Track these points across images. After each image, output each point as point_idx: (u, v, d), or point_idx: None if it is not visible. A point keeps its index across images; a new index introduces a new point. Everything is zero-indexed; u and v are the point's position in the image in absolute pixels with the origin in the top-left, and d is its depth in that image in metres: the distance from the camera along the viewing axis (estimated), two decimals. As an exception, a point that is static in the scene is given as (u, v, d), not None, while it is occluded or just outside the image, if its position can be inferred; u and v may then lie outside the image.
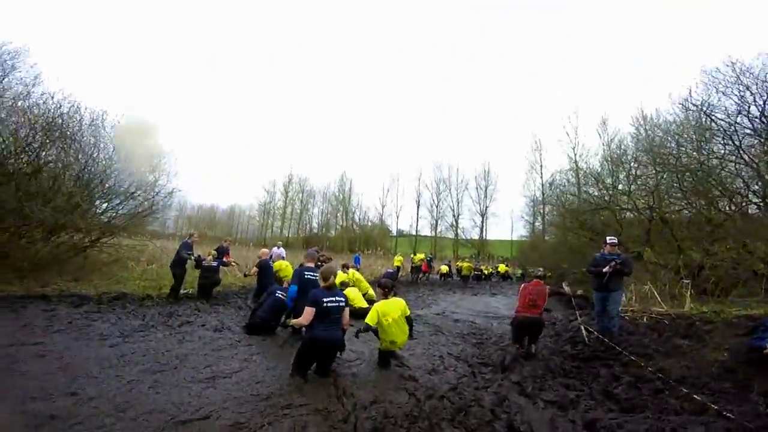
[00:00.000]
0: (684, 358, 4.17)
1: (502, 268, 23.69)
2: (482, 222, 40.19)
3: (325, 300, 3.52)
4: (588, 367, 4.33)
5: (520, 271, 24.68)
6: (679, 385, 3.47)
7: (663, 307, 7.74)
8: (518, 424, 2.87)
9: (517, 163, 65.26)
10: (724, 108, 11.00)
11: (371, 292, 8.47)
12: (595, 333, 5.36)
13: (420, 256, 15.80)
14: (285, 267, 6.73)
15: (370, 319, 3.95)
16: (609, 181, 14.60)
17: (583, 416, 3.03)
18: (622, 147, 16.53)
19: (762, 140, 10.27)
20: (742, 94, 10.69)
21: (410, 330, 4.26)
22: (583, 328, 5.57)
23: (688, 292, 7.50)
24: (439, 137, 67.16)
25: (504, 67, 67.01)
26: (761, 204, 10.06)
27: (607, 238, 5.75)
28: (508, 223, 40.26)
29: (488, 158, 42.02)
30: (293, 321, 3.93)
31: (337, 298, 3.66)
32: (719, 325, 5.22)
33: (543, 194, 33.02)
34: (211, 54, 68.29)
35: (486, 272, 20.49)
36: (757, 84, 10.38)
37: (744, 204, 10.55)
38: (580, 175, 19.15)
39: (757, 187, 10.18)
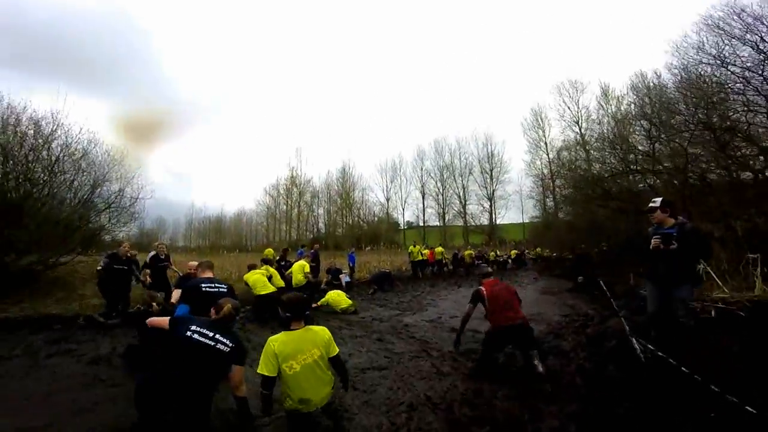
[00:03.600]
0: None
1: (513, 253, 21.72)
2: (491, 206, 38.51)
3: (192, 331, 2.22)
4: (656, 409, 2.58)
5: (535, 253, 22.80)
6: None
7: (726, 292, 5.85)
8: None
9: (520, 143, 62.20)
10: (738, 58, 9.04)
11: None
12: (650, 346, 3.55)
13: (419, 248, 13.75)
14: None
15: (262, 368, 2.32)
16: (625, 144, 12.54)
17: None
18: (630, 113, 14.48)
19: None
20: (757, 44, 8.68)
21: (344, 378, 2.61)
22: (635, 340, 3.74)
23: (759, 270, 5.58)
24: (438, 123, 65.04)
25: (501, 46, 64.00)
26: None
27: (652, 202, 3.66)
28: (518, 205, 37.77)
29: (491, 140, 38.72)
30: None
31: (217, 338, 2.27)
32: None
33: (551, 171, 30.94)
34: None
35: (491, 257, 18.34)
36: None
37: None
38: (588, 147, 17.18)
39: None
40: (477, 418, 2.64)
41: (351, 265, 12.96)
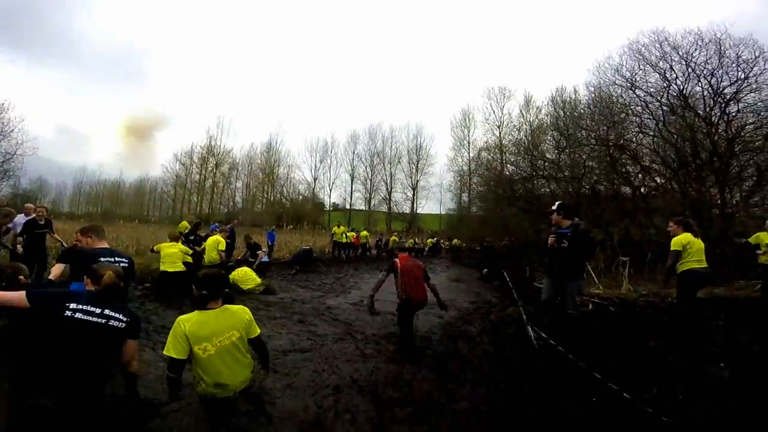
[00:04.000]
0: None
1: (429, 242, 23.11)
2: (413, 195, 40.09)
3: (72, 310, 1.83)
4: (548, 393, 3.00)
5: (448, 243, 24.53)
6: None
7: (600, 289, 7.05)
8: None
9: (447, 139, 65.72)
10: (646, 83, 10.71)
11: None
12: (543, 334, 4.08)
13: (343, 228, 13.60)
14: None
15: (169, 349, 2.05)
16: (536, 152, 14.11)
17: None
18: (545, 123, 16.33)
19: (678, 117, 10.09)
20: (665, 72, 10.41)
21: (264, 360, 2.44)
22: (530, 328, 4.27)
23: (626, 271, 6.86)
24: (374, 110, 64.87)
25: (443, 42, 65.96)
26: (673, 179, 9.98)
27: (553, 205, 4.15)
28: (438, 197, 40.36)
29: (422, 133, 40.55)
30: None
31: (107, 314, 1.92)
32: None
33: (470, 169, 33.25)
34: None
35: (409, 244, 19.49)
36: (681, 62, 10.10)
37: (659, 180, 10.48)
38: (504, 151, 19.00)
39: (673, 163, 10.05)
40: (400, 400, 2.74)
41: (270, 243, 12.34)
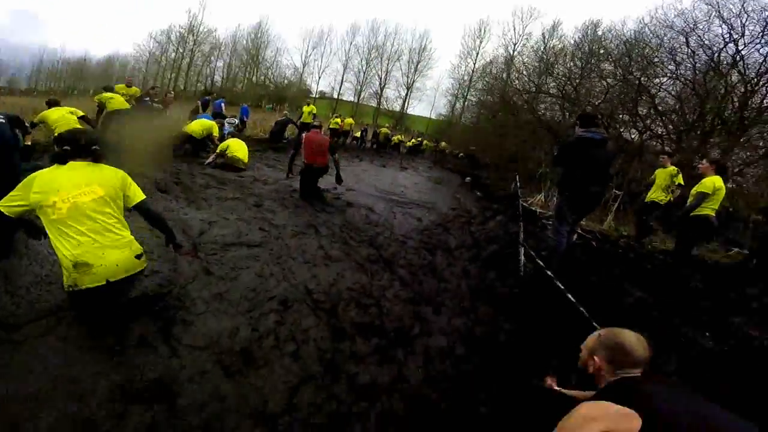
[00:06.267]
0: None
1: (413, 141, 21.94)
2: (406, 95, 38.45)
3: None
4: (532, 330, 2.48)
5: (433, 146, 23.69)
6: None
7: (583, 221, 6.54)
8: None
9: (454, 47, 58.73)
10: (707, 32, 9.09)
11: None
12: (537, 259, 3.49)
13: (311, 108, 11.54)
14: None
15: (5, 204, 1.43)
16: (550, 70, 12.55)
17: None
18: (567, 50, 14.22)
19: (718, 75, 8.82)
20: (731, 27, 8.63)
21: (165, 231, 1.75)
22: (522, 252, 3.61)
23: (615, 206, 6.31)
24: (379, 7, 54.10)
25: None
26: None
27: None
28: (431, 100, 39.34)
29: (429, 35, 38.73)
30: None
31: None
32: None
33: (471, 79, 32.18)
34: None
35: (396, 140, 18.50)
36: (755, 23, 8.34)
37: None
38: (512, 70, 16.92)
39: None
40: (364, 326, 2.08)
41: (245, 119, 10.71)
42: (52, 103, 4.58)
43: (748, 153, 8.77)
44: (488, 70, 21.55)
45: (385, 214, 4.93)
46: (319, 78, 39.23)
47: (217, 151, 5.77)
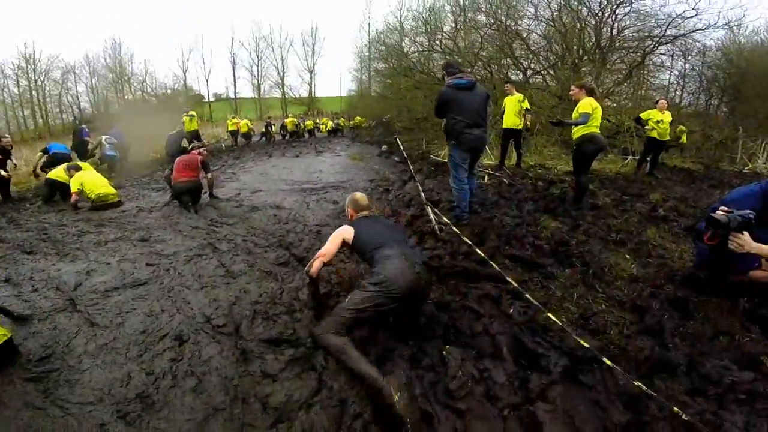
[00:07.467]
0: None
1: (328, 124, 21.41)
2: (311, 78, 37.50)
3: None
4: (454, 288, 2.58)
5: (349, 123, 23.34)
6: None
7: (492, 160, 6.94)
8: None
9: (346, 22, 58.58)
10: None
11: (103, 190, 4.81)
12: (448, 220, 3.57)
13: (235, 120, 12.07)
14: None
15: None
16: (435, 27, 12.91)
17: None
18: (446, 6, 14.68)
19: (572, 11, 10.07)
20: None
21: None
22: (430, 211, 3.68)
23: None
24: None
25: None
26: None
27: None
28: (337, 80, 38.45)
29: (315, 16, 36.53)
30: None
31: None
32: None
33: (370, 50, 31.76)
34: None
35: (309, 126, 17.92)
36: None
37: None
38: (403, 32, 17.10)
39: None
40: (273, 340, 1.92)
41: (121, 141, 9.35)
42: None
43: (615, 76, 10.13)
44: (381, 38, 21.61)
45: (297, 207, 4.70)
46: (207, 80, 38.09)
47: (73, 194, 4.73)
